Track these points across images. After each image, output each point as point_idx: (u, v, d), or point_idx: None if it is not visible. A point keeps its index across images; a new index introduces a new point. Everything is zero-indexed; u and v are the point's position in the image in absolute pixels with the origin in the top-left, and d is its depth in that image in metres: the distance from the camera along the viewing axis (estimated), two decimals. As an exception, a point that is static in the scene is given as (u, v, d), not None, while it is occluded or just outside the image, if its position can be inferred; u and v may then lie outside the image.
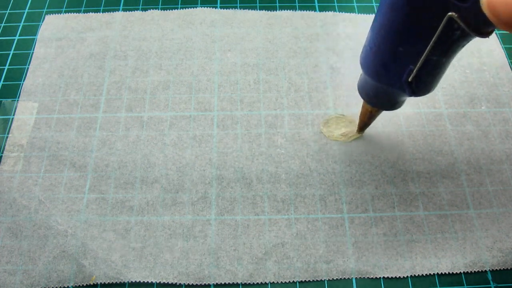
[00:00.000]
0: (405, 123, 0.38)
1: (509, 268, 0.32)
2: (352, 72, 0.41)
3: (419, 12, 0.23)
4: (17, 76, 0.41)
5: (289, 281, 0.31)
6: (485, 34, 0.22)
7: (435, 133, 0.38)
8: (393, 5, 0.24)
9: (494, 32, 0.44)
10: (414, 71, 0.25)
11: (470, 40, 0.24)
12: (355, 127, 0.38)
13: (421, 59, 0.25)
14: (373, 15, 0.45)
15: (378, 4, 0.46)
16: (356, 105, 0.39)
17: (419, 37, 0.24)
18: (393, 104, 0.31)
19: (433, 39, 0.23)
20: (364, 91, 0.32)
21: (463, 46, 0.25)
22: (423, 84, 0.27)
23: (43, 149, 0.37)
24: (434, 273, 0.32)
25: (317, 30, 0.44)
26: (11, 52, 0.43)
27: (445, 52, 0.25)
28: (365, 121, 0.35)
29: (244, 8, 0.46)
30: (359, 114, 0.35)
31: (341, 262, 0.32)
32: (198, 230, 0.33)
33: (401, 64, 0.26)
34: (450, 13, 0.21)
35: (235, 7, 0.46)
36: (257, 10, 0.46)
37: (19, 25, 0.45)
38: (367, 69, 0.29)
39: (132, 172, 0.36)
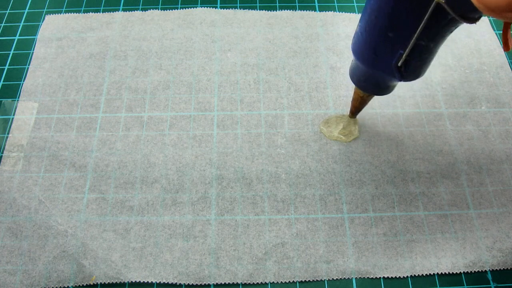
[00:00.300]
0: (405, 123, 0.38)
1: (509, 268, 0.32)
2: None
3: None
4: (17, 76, 0.41)
5: (289, 281, 0.31)
6: (472, 20, 0.23)
7: (435, 133, 0.38)
8: None
9: (494, 32, 0.44)
10: (403, 56, 0.26)
11: (458, 25, 0.24)
12: (355, 127, 0.38)
13: (410, 44, 0.25)
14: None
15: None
16: (356, 105, 0.39)
17: (408, 22, 0.25)
18: (383, 89, 0.32)
19: (421, 24, 0.24)
20: (356, 76, 0.32)
21: (451, 32, 0.25)
22: (412, 68, 0.27)
23: (43, 149, 0.37)
24: (434, 273, 0.32)
25: (317, 30, 0.44)
26: (11, 52, 0.43)
27: (433, 38, 0.25)
28: (357, 106, 0.36)
29: (244, 8, 0.46)
30: (351, 100, 0.36)
31: (341, 262, 0.32)
32: (198, 230, 0.33)
33: (391, 49, 0.26)
34: None
35: (235, 7, 0.46)
36: (257, 10, 0.46)
37: (19, 25, 0.45)
38: (358, 55, 0.29)
39: (132, 172, 0.36)
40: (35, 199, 0.34)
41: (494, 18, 0.21)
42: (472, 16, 0.23)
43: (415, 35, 0.24)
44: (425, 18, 0.23)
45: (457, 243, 0.33)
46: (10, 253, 0.32)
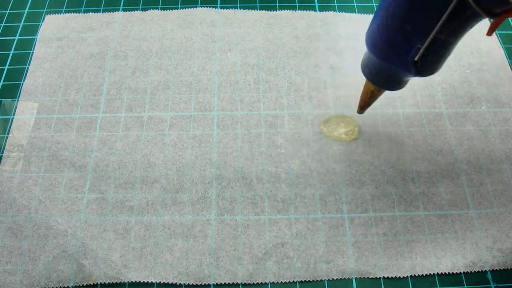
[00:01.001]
0: (405, 123, 0.38)
1: (509, 268, 0.32)
2: (352, 72, 0.41)
3: None
4: (17, 76, 0.41)
5: (289, 281, 0.31)
6: (495, 15, 0.22)
7: (435, 133, 0.38)
8: None
9: (494, 32, 0.44)
10: (421, 50, 0.25)
11: (480, 20, 0.24)
12: (355, 127, 0.38)
13: (429, 38, 0.24)
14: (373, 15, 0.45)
15: (378, 4, 0.46)
16: (356, 105, 0.39)
17: (428, 16, 0.24)
18: (396, 83, 0.31)
19: (443, 18, 0.23)
20: (368, 69, 0.31)
21: (472, 26, 0.24)
22: (429, 63, 0.27)
23: (43, 149, 0.37)
24: (434, 273, 0.32)
25: (317, 30, 0.44)
26: (11, 52, 0.43)
27: (453, 32, 0.24)
28: (366, 101, 0.34)
29: (244, 8, 0.46)
30: (360, 93, 0.34)
31: (341, 262, 0.32)
32: (198, 230, 0.33)
33: (408, 43, 0.26)
34: None
35: (235, 7, 0.46)
36: (257, 10, 0.46)
37: (19, 25, 0.45)
38: (373, 47, 0.28)
39: (132, 172, 0.36)
40: (35, 199, 0.34)
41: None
42: (495, 11, 0.22)
43: (435, 30, 0.24)
44: (447, 12, 0.22)
45: (457, 243, 0.33)
46: (10, 253, 0.32)
